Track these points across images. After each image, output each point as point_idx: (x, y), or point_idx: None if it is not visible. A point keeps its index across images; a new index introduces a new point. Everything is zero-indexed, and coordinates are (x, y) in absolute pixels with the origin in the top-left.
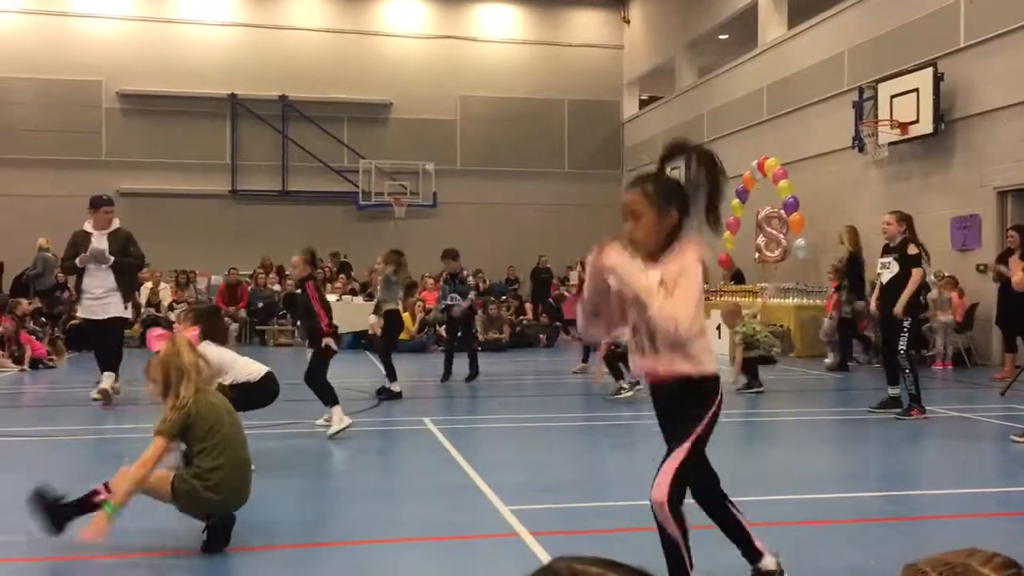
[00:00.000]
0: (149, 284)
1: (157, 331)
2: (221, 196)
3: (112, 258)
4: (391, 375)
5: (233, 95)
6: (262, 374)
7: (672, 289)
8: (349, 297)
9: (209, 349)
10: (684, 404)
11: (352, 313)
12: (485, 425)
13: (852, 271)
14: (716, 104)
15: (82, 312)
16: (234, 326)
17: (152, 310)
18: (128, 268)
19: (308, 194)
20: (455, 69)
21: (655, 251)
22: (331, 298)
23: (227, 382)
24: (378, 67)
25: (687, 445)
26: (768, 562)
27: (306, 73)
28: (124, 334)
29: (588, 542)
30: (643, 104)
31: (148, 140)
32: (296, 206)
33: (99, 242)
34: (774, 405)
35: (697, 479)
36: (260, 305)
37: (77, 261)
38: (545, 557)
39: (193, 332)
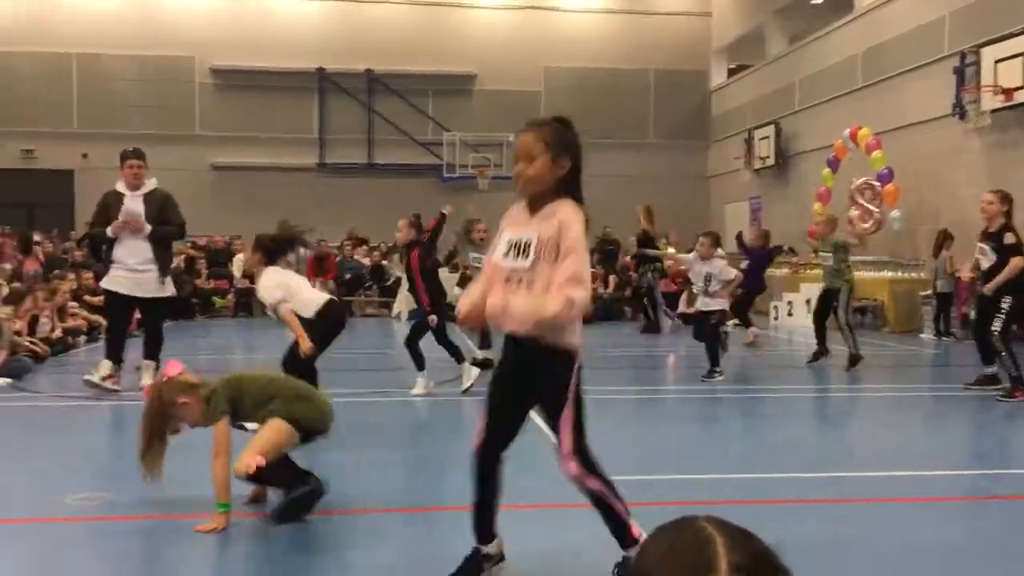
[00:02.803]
0: (242, 255)
1: (146, 389)
2: (309, 169)
3: (149, 226)
4: (483, 343)
5: (321, 69)
6: (322, 303)
7: (557, 256)
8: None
9: (274, 274)
10: (545, 374)
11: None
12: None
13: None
14: (807, 72)
15: (107, 283)
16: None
17: (248, 280)
18: (166, 237)
19: (393, 167)
20: (539, 39)
21: (539, 198)
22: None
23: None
24: (462, 39)
25: (567, 410)
26: (492, 547)
27: (391, 46)
28: (164, 315)
29: (678, 513)
30: (731, 73)
31: (239, 114)
32: (382, 178)
33: (133, 205)
34: (869, 380)
35: (494, 435)
36: (348, 276)
37: (109, 230)
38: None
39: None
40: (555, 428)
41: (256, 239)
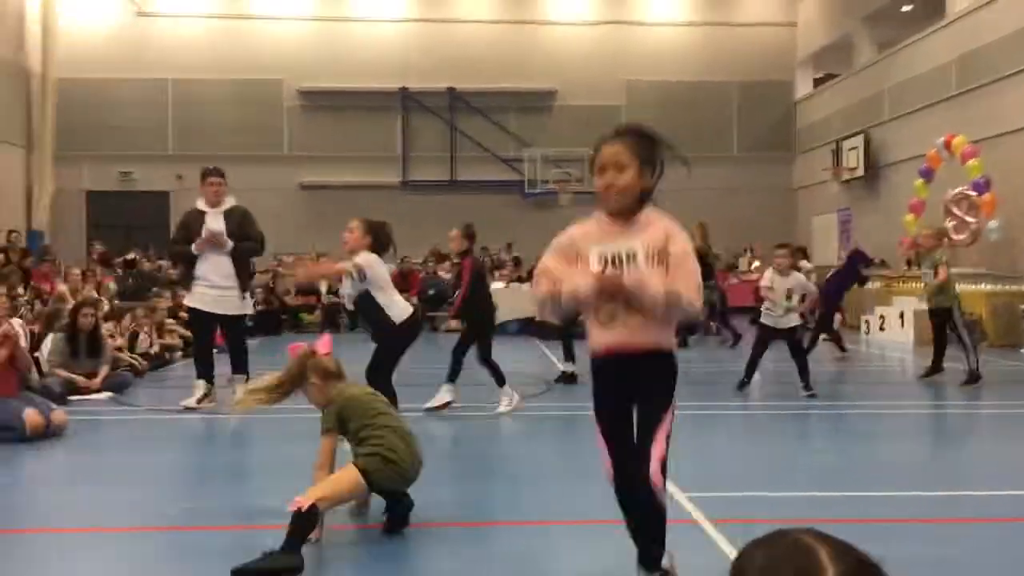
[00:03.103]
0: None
1: (296, 344)
2: (392, 187)
3: (231, 243)
4: (568, 356)
5: (404, 88)
6: (410, 313)
7: (670, 265)
8: (517, 284)
9: (378, 264)
10: (655, 378)
11: (518, 299)
12: None
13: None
14: (897, 80)
15: (191, 300)
16: None
17: (334, 296)
18: (247, 253)
19: (475, 183)
20: (620, 54)
21: (627, 209)
22: (498, 285)
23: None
24: (543, 55)
25: (668, 416)
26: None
27: (473, 65)
28: (246, 329)
29: (767, 530)
30: (817, 83)
31: (325, 134)
32: (464, 195)
33: (214, 222)
34: (971, 397)
35: (623, 458)
36: (431, 292)
37: (193, 248)
38: (726, 544)
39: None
40: (649, 433)
41: (369, 223)
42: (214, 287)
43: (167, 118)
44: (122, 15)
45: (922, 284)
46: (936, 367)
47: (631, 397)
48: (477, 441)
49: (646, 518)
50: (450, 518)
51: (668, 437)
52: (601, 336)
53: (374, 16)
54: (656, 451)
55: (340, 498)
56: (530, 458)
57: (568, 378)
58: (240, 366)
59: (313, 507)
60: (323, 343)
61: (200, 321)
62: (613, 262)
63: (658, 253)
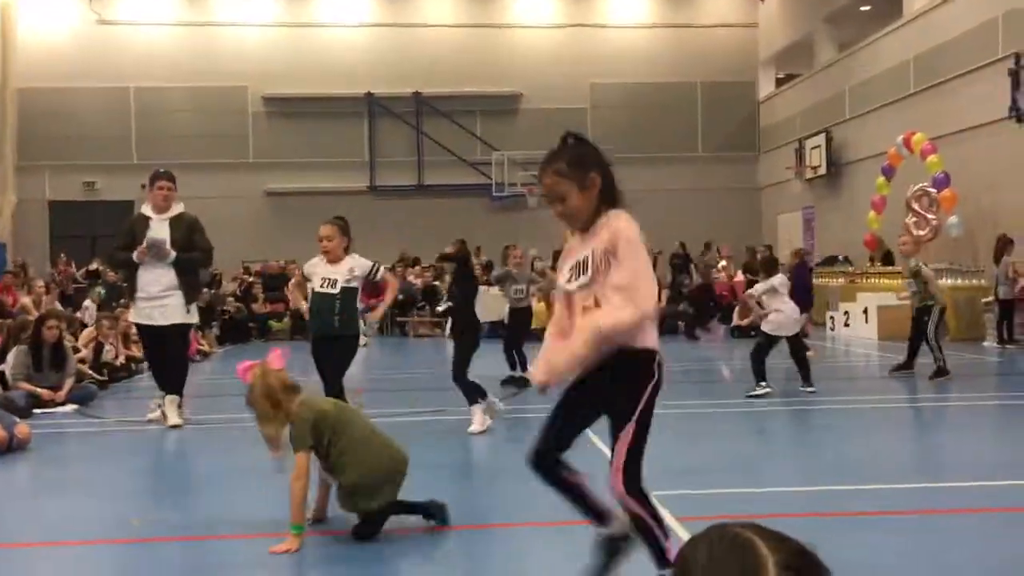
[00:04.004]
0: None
1: (245, 364)
2: (360, 192)
3: (173, 252)
4: (518, 366)
5: (370, 94)
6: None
7: (607, 266)
8: (485, 288)
9: (357, 259)
10: (618, 381)
11: (487, 303)
12: None
13: None
14: (858, 79)
15: (135, 316)
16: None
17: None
18: (191, 264)
19: (443, 187)
20: (584, 56)
21: (588, 222)
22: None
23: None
24: (508, 59)
25: (631, 425)
26: (614, 526)
27: (439, 69)
28: (188, 343)
29: None
30: (779, 83)
31: (291, 141)
32: (432, 199)
33: (159, 230)
34: (934, 390)
35: (542, 438)
36: (400, 297)
37: (134, 256)
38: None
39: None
40: (612, 444)
41: (342, 226)
42: (152, 299)
43: (130, 127)
44: (82, 23)
45: (908, 293)
46: (908, 363)
47: (594, 402)
48: (461, 444)
49: (636, 527)
50: (418, 524)
51: (635, 444)
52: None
53: (338, 21)
54: (615, 461)
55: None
56: (515, 458)
57: (517, 382)
58: (173, 383)
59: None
60: (275, 358)
61: (147, 336)
62: (576, 270)
63: (604, 255)
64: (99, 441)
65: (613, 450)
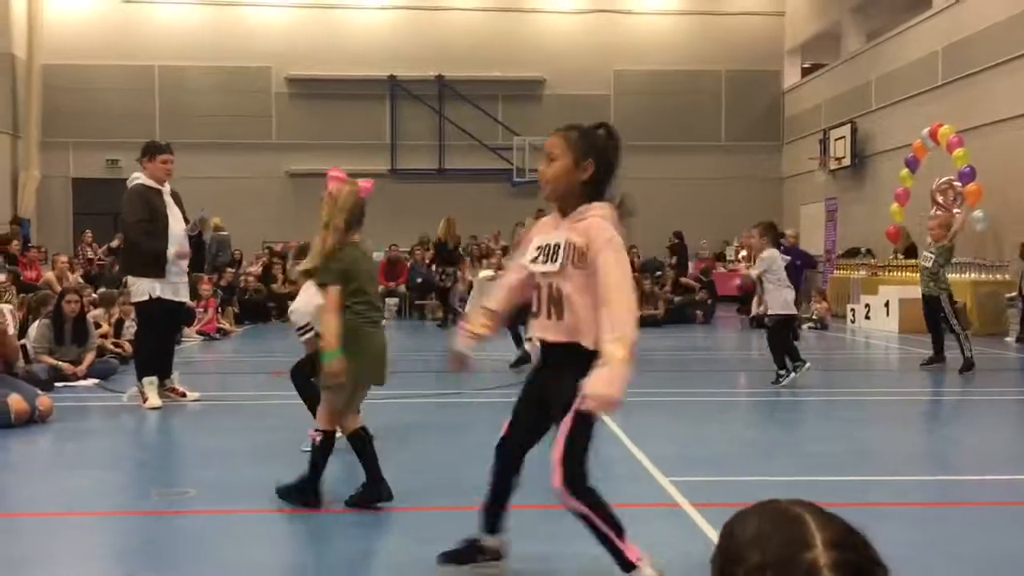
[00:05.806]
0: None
1: (335, 171)
2: (381, 175)
3: (199, 228)
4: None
5: (392, 77)
6: None
7: (587, 260)
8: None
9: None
10: (565, 373)
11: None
12: (641, 399)
13: None
14: (885, 70)
15: (162, 291)
16: (393, 300)
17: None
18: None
19: (464, 171)
20: (608, 43)
21: (565, 202)
22: (487, 273)
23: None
24: (532, 44)
25: (569, 419)
26: (491, 541)
27: (461, 53)
28: (144, 322)
29: None
30: (805, 72)
31: (313, 122)
32: (452, 183)
33: (170, 204)
34: (956, 384)
35: (518, 432)
36: (419, 281)
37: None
38: (708, 528)
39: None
40: (555, 436)
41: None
42: (181, 275)
43: (154, 105)
44: (108, 1)
45: (929, 255)
46: (938, 356)
47: (541, 400)
48: (454, 425)
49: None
50: (431, 503)
51: (574, 437)
52: (533, 326)
53: (363, 4)
54: (554, 454)
55: (338, 406)
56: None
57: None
58: (164, 365)
59: (328, 434)
60: (366, 184)
61: (166, 313)
62: (545, 253)
63: (576, 251)
64: (119, 415)
65: (554, 444)
